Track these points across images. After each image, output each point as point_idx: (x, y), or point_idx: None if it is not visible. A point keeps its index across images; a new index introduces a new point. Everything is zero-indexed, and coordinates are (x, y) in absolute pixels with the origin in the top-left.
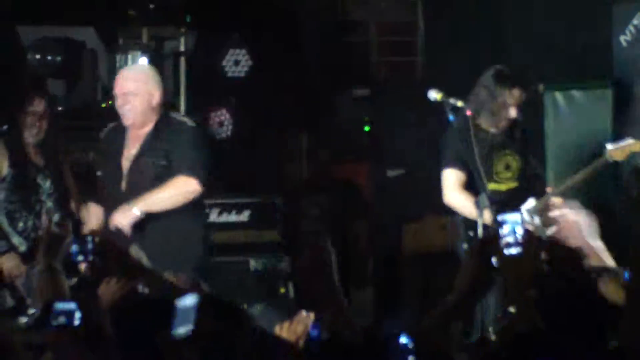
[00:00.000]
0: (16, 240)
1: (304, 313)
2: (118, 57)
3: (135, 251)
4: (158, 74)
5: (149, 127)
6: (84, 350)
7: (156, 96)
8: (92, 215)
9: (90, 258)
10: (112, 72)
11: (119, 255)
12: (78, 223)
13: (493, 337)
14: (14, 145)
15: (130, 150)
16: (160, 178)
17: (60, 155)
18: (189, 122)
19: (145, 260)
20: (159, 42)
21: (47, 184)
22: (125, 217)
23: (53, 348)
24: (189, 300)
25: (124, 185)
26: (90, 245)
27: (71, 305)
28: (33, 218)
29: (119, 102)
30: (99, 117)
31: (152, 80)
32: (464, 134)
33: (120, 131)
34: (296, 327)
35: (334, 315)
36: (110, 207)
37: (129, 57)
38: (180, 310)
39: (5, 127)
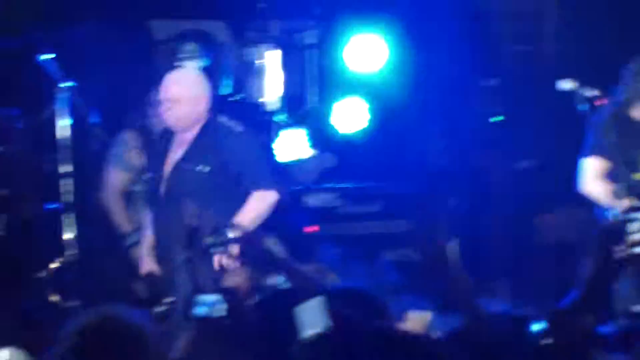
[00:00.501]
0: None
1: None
2: (248, 51)
3: (273, 244)
4: (206, 77)
5: (194, 132)
6: (226, 341)
7: (202, 101)
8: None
9: (229, 250)
10: (242, 65)
11: (256, 248)
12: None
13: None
14: (147, 137)
15: (175, 155)
16: (200, 185)
17: None
18: (238, 127)
19: (282, 253)
20: (288, 34)
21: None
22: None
23: (194, 338)
24: (313, 303)
25: (162, 189)
26: (228, 238)
27: (213, 297)
28: (167, 210)
29: (163, 108)
30: (227, 111)
31: (197, 84)
32: (610, 122)
33: (169, 134)
34: (420, 320)
35: (464, 305)
36: (151, 211)
37: (259, 50)
38: (306, 313)
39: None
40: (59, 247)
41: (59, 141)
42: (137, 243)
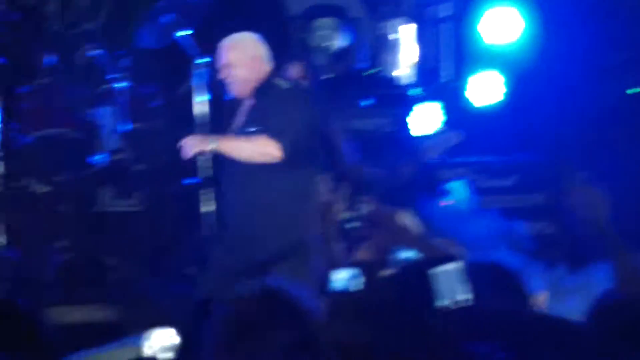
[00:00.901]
0: None
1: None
2: (380, 25)
3: (409, 218)
4: (262, 40)
5: (253, 96)
6: (363, 315)
7: (259, 65)
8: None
9: (363, 226)
10: (375, 39)
11: (391, 222)
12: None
13: None
14: None
15: (238, 122)
16: None
17: (327, 122)
18: (285, 84)
19: (418, 227)
20: (421, 8)
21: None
22: (197, 143)
23: (332, 313)
24: (452, 268)
25: (227, 158)
26: (362, 213)
27: (349, 271)
28: None
29: (222, 74)
30: (362, 85)
31: (252, 47)
32: None
33: (232, 104)
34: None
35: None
36: (220, 180)
37: (392, 24)
38: (444, 280)
39: None
40: (197, 222)
41: (196, 117)
42: None
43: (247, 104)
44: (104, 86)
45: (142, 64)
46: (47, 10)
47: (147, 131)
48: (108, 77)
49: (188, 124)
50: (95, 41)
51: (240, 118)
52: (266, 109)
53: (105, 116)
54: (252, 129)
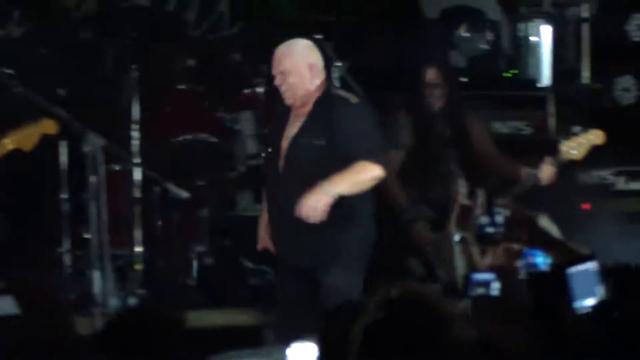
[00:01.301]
0: (425, 209)
1: None
2: (519, 26)
3: (546, 223)
4: (318, 47)
5: (310, 106)
6: (502, 320)
7: (315, 72)
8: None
9: (501, 230)
10: (514, 41)
11: (529, 227)
12: (488, 194)
13: None
14: (417, 116)
15: (291, 130)
16: (316, 159)
17: (465, 125)
18: (352, 98)
19: (555, 232)
20: (560, 8)
21: (453, 152)
22: (319, 201)
23: (470, 317)
24: (588, 268)
25: (281, 165)
26: (500, 217)
27: (489, 276)
28: (441, 187)
29: (277, 81)
30: (501, 87)
31: (309, 55)
32: None
33: (285, 110)
34: None
35: None
36: (268, 188)
37: (531, 25)
38: (580, 281)
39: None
40: None
41: None
42: (415, 219)
43: (301, 112)
44: (244, 91)
45: None
46: (187, 16)
47: None
48: (248, 82)
49: None
50: (233, 46)
51: (292, 127)
52: (333, 122)
53: (245, 121)
54: (310, 140)
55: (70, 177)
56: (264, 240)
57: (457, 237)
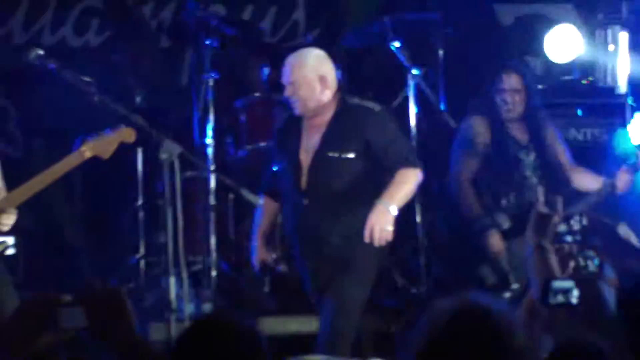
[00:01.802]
0: (499, 217)
1: None
2: (597, 33)
3: (625, 231)
4: (329, 57)
5: (327, 116)
6: (582, 327)
7: (326, 84)
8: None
9: (579, 238)
10: (591, 48)
11: (607, 235)
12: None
13: None
14: (494, 122)
15: (309, 143)
16: (345, 173)
17: (543, 132)
18: (375, 106)
19: (635, 240)
20: (638, 15)
21: (530, 160)
22: (388, 221)
23: (548, 325)
24: None
25: (304, 181)
26: (578, 225)
27: (568, 284)
28: (516, 194)
29: (287, 92)
30: (578, 94)
31: (320, 66)
32: None
33: (295, 121)
34: None
35: None
36: (287, 203)
37: (609, 32)
38: None
39: None
40: (408, 234)
41: (411, 128)
42: (488, 227)
43: (316, 123)
44: None
45: (356, 73)
46: (262, 24)
47: None
48: None
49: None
50: None
51: (310, 139)
52: (364, 133)
53: None
54: (337, 152)
55: (146, 184)
56: (261, 252)
57: (534, 245)
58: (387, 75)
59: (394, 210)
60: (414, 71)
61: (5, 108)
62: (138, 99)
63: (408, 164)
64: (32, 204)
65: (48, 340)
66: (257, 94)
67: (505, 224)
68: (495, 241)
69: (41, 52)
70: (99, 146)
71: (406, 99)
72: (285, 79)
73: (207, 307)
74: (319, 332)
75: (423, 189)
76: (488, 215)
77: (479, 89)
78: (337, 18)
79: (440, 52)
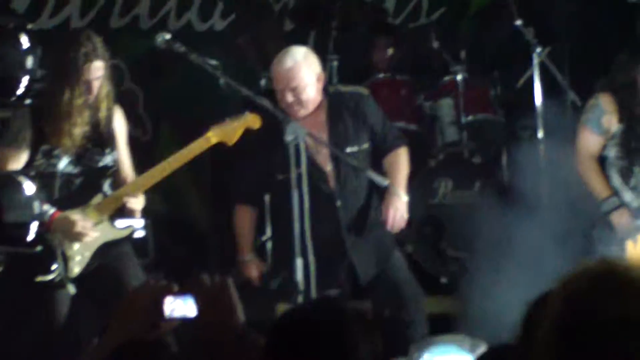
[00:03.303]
0: (627, 196)
1: None
2: None
3: None
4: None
5: (320, 112)
6: None
7: (321, 80)
8: None
9: None
10: None
11: None
12: None
13: None
14: (625, 101)
15: (320, 139)
16: (365, 164)
17: None
18: (364, 90)
19: None
20: None
21: None
22: (404, 209)
23: None
24: None
25: (332, 182)
26: None
27: None
28: None
29: (288, 98)
30: None
31: (314, 65)
32: None
33: (285, 121)
34: None
35: None
36: (316, 208)
37: None
38: None
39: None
40: None
41: (537, 107)
42: (615, 208)
43: (312, 122)
44: (443, 78)
45: (479, 54)
46: (386, 4)
47: (486, 122)
48: (447, 69)
49: (525, 115)
50: (433, 34)
51: (319, 135)
52: (367, 120)
53: (445, 108)
54: (357, 148)
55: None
56: (257, 265)
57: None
58: (510, 55)
59: (405, 197)
60: (539, 49)
61: (133, 92)
62: (262, 82)
63: (403, 142)
64: (160, 186)
65: (158, 329)
66: (380, 75)
67: (634, 203)
68: (624, 220)
69: (169, 36)
70: (225, 132)
71: (530, 79)
72: (282, 85)
73: (333, 290)
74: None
75: None
76: (616, 194)
77: (607, 66)
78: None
79: (565, 29)
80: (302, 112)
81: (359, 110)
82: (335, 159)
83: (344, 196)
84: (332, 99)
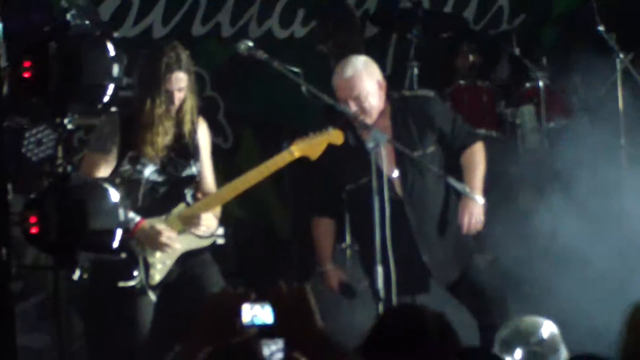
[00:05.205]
0: None
1: None
2: None
3: None
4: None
5: (384, 118)
6: None
7: (382, 87)
8: None
9: None
10: None
11: None
12: None
13: None
14: None
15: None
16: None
17: None
18: (429, 92)
19: None
20: None
21: None
22: (478, 210)
23: None
24: None
25: (398, 188)
26: None
27: None
28: None
29: (353, 107)
30: None
31: (375, 72)
32: None
33: (349, 136)
34: None
35: None
36: (367, 218)
37: None
38: None
39: None
40: None
41: (620, 114)
42: None
43: (376, 127)
44: (525, 85)
45: (559, 63)
46: (466, 12)
47: (568, 129)
48: (528, 75)
49: (608, 121)
50: (511, 41)
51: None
52: (435, 124)
53: (526, 115)
54: (423, 151)
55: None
56: (337, 275)
57: None
58: (594, 61)
59: (480, 200)
60: (622, 55)
61: (214, 99)
62: None
63: (476, 138)
64: (243, 195)
65: (242, 336)
66: (462, 82)
67: None
68: None
69: (251, 43)
70: (309, 147)
71: (614, 85)
72: (345, 93)
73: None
74: None
75: None
76: None
77: None
78: (542, 3)
79: None
80: (367, 120)
81: (424, 113)
82: (402, 165)
83: (412, 202)
84: (395, 105)
